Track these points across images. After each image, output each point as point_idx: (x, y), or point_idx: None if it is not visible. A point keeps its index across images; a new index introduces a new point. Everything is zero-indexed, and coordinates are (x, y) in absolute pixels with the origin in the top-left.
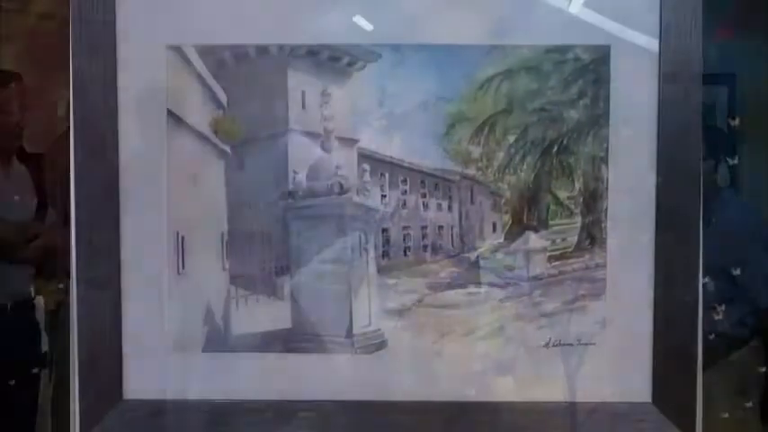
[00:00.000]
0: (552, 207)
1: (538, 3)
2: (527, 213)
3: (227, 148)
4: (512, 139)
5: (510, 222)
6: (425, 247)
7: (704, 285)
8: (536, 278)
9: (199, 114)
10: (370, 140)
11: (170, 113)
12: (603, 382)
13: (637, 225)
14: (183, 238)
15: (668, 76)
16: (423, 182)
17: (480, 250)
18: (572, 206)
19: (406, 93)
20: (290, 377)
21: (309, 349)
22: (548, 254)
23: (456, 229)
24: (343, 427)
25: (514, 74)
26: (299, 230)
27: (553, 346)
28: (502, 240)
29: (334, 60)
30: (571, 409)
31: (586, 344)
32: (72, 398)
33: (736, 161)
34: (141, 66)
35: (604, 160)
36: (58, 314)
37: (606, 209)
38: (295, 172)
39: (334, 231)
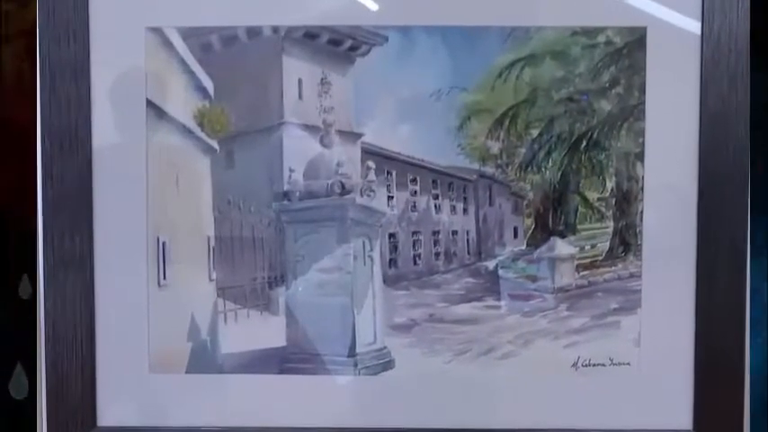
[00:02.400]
0: (581, 210)
1: None
2: (552, 217)
3: (214, 143)
4: (535, 132)
5: (533, 227)
6: (438, 254)
7: None
8: (563, 290)
9: (182, 105)
10: (375, 135)
11: (149, 104)
12: (639, 407)
13: (676, 230)
14: (164, 244)
15: (711, 62)
16: (435, 181)
17: (500, 258)
18: (603, 209)
19: (415, 81)
20: (284, 401)
21: (307, 370)
22: (576, 262)
23: (472, 235)
24: None
25: (538, 59)
26: (296, 236)
27: (582, 366)
28: (524, 247)
29: (334, 44)
30: None
31: (620, 364)
32: (39, 425)
33: None
34: (117, 50)
35: (640, 157)
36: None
37: (642, 212)
38: (291, 170)
39: (334, 237)
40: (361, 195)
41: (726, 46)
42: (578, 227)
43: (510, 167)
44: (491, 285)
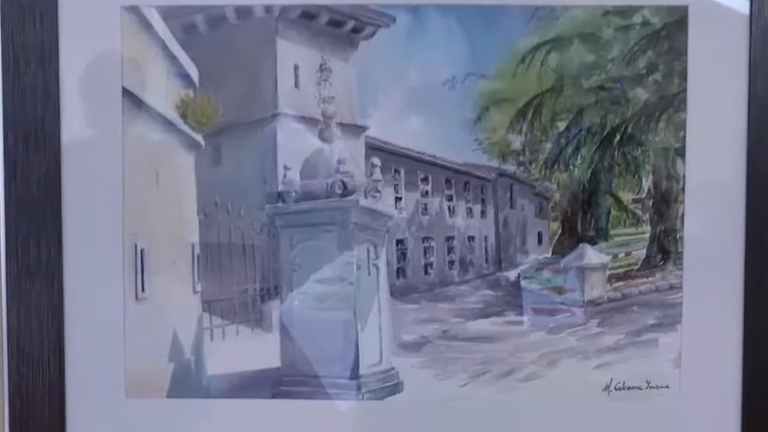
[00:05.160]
0: (614, 213)
1: None
2: (581, 221)
3: (199, 138)
4: (562, 125)
5: (559, 232)
6: (452, 263)
7: None
8: (593, 303)
9: (163, 94)
10: (381, 128)
11: (126, 93)
12: None
13: (722, 235)
14: (142, 252)
15: (761, 45)
16: (448, 180)
17: (522, 267)
18: (639, 211)
19: (427, 67)
20: (278, 429)
21: (304, 394)
22: (608, 272)
23: (491, 241)
24: None
25: (565, 43)
26: (292, 242)
27: (615, 389)
28: (549, 255)
29: (335, 25)
30: None
31: (658, 387)
32: None
33: None
34: (89, 32)
35: (680, 152)
36: None
37: (682, 215)
38: (286, 168)
39: (335, 243)
40: (366, 196)
41: None
42: (611, 232)
43: (534, 165)
44: (512, 298)
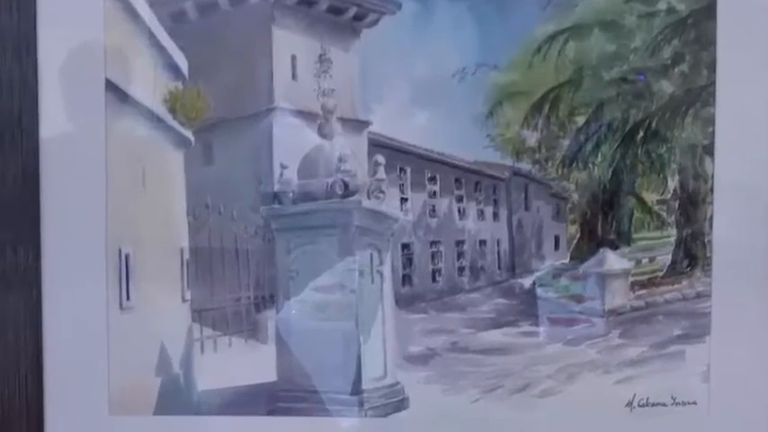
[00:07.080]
0: (637, 215)
1: None
2: (602, 223)
3: (189, 134)
4: (581, 120)
5: (578, 236)
6: (462, 269)
7: None
8: (614, 313)
9: (150, 87)
10: (385, 123)
11: (110, 85)
12: None
13: (753, 239)
14: (127, 257)
15: None
16: (458, 180)
17: (538, 274)
18: (664, 213)
19: (434, 57)
20: None
21: (302, 410)
22: (630, 279)
23: (504, 246)
24: None
25: (585, 31)
26: (289, 247)
27: (639, 406)
28: (567, 260)
29: (335, 12)
30: None
31: (684, 403)
32: None
33: None
34: (71, 20)
35: (708, 150)
36: None
37: (711, 217)
38: (282, 166)
39: (335, 248)
40: (369, 197)
41: None
42: (634, 236)
43: (550, 163)
44: (527, 307)
